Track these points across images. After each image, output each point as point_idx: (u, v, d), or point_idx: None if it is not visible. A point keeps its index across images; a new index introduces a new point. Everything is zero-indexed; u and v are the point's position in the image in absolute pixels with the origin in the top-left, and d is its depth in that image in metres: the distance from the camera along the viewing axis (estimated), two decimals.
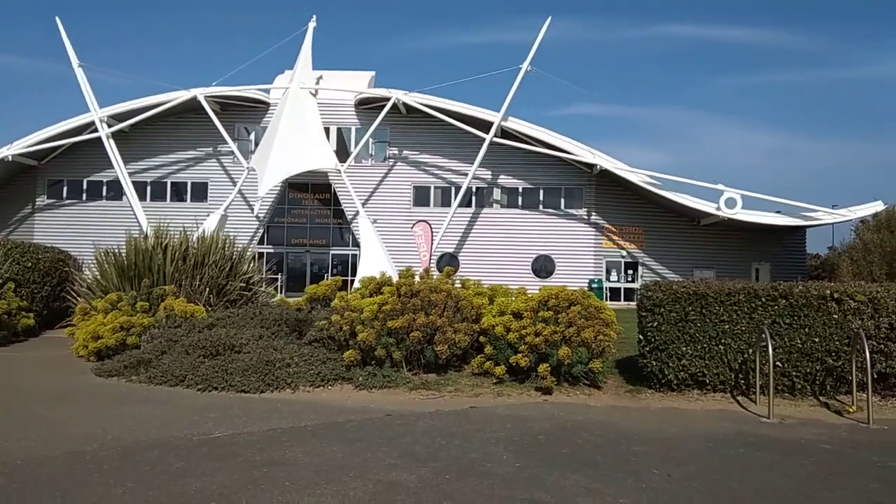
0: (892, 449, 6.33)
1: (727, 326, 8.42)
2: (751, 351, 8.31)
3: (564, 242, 31.64)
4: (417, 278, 10.74)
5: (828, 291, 8.32)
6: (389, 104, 29.51)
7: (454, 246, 31.53)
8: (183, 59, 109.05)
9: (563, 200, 31.96)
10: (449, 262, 31.48)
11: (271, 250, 32.14)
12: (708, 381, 8.52)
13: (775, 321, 8.32)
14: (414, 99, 29.67)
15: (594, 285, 31.17)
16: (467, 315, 9.59)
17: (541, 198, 32.02)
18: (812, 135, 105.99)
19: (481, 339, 9.47)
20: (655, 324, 8.59)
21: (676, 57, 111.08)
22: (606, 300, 30.42)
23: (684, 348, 8.48)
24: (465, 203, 31.50)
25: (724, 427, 7.10)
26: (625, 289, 31.85)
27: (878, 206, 27.87)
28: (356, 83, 31.81)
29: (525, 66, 29.07)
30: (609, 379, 9.34)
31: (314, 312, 10.93)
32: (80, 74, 30.51)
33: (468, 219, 31.84)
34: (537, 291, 9.61)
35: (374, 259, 26.56)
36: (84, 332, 11.06)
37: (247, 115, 32.22)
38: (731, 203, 27.70)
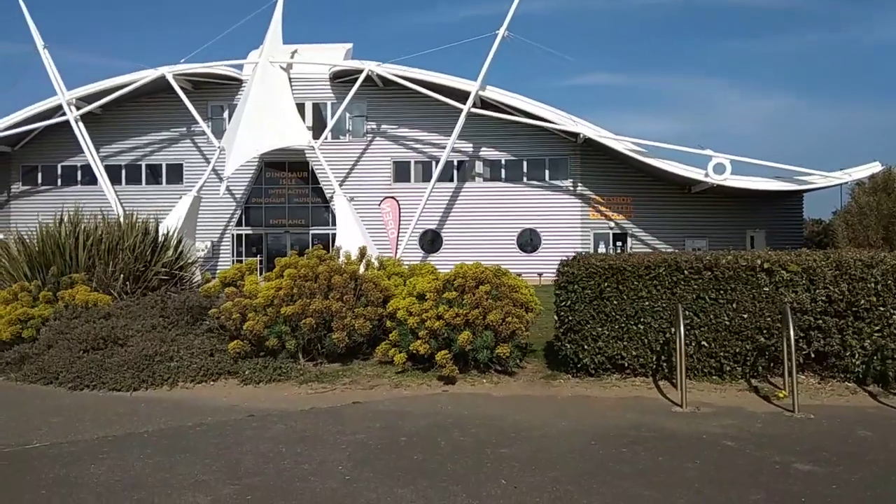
0: (805, 444, 5.41)
1: (647, 303, 7.50)
2: (673, 330, 7.40)
3: (550, 215, 30.53)
4: (344, 259, 9.92)
5: (758, 262, 7.34)
6: (363, 76, 28.41)
7: (437, 222, 30.59)
8: (157, 39, 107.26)
9: (547, 172, 30.82)
10: (433, 238, 30.64)
11: (250, 232, 31.44)
12: (627, 365, 7.63)
13: (699, 296, 7.38)
14: (388, 70, 28.53)
15: None
16: (373, 298, 8.73)
17: (524, 170, 30.90)
18: (816, 99, 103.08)
19: (389, 323, 8.63)
20: (569, 302, 7.68)
21: (677, 23, 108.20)
22: None
23: (600, 329, 7.58)
24: (447, 177, 30.47)
25: (625, 419, 6.22)
26: None
27: (874, 168, 26.46)
28: (331, 56, 30.65)
29: (502, 31, 27.75)
30: (530, 364, 8.50)
31: (221, 299, 10.10)
32: (45, 56, 29.61)
33: (450, 193, 30.82)
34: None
35: (352, 238, 25.58)
36: None
37: (220, 93, 31.27)
38: (719, 169, 26.45)
